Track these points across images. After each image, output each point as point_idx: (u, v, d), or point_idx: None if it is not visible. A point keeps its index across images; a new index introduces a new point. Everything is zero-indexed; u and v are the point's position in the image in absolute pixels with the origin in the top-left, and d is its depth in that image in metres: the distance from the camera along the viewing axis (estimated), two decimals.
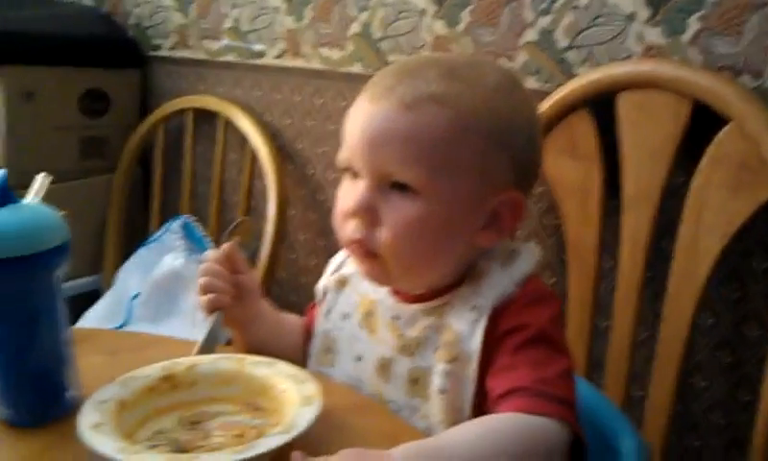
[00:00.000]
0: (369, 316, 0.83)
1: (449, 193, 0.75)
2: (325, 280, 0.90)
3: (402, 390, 0.78)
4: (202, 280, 0.86)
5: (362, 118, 0.76)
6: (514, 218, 0.78)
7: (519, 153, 0.78)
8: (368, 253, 0.77)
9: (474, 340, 0.74)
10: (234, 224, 0.89)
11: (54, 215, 0.70)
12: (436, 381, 0.75)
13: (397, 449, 0.61)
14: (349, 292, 0.87)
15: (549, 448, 0.66)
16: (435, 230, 0.75)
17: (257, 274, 1.60)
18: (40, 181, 0.72)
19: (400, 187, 0.75)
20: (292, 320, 0.94)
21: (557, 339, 0.74)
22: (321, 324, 0.88)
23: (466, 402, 0.74)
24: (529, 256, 0.79)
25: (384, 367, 0.80)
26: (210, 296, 0.85)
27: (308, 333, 0.90)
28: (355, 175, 0.78)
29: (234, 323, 0.88)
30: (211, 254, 0.89)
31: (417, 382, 0.77)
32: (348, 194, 0.78)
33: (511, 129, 0.77)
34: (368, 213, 0.76)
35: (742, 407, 1.18)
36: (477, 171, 0.75)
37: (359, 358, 0.82)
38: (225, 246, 0.88)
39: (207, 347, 0.82)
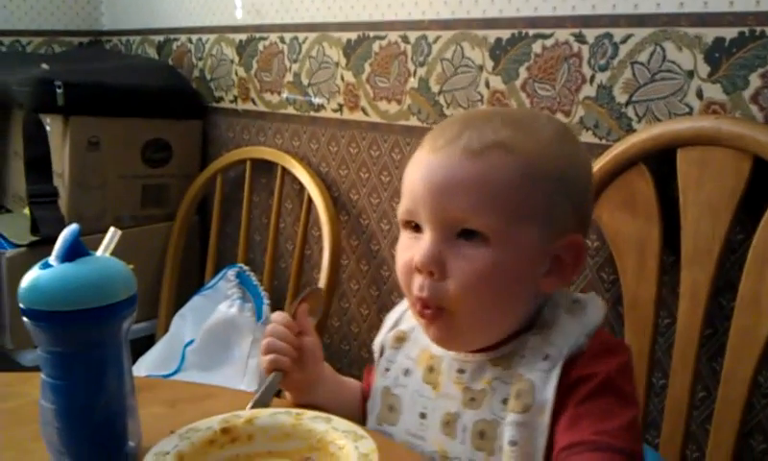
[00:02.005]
0: (431, 371, 0.82)
1: (519, 239, 0.75)
2: (383, 337, 0.89)
3: (468, 444, 0.77)
4: (266, 341, 0.86)
5: (425, 168, 0.76)
6: (576, 262, 0.79)
7: (579, 198, 0.79)
8: (435, 312, 0.76)
9: (548, 390, 0.73)
10: (306, 291, 0.90)
11: (123, 268, 0.72)
12: (507, 433, 0.74)
13: None
14: (409, 348, 0.86)
15: None
16: (504, 278, 0.75)
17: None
18: (111, 235, 0.73)
19: (468, 236, 0.74)
20: (351, 384, 0.94)
21: (624, 388, 0.74)
22: (379, 381, 0.87)
23: (537, 454, 0.73)
24: (597, 308, 0.79)
25: (449, 423, 0.79)
26: (271, 356, 0.85)
27: (366, 397, 0.90)
28: (416, 228, 0.77)
29: (293, 386, 0.88)
30: (278, 316, 0.88)
31: (483, 435, 0.76)
32: (411, 248, 0.77)
33: (572, 174, 0.78)
34: (436, 266, 0.75)
35: None
36: (544, 216, 0.76)
37: (423, 415, 0.82)
38: (293, 309, 0.88)
39: (261, 403, 0.83)
